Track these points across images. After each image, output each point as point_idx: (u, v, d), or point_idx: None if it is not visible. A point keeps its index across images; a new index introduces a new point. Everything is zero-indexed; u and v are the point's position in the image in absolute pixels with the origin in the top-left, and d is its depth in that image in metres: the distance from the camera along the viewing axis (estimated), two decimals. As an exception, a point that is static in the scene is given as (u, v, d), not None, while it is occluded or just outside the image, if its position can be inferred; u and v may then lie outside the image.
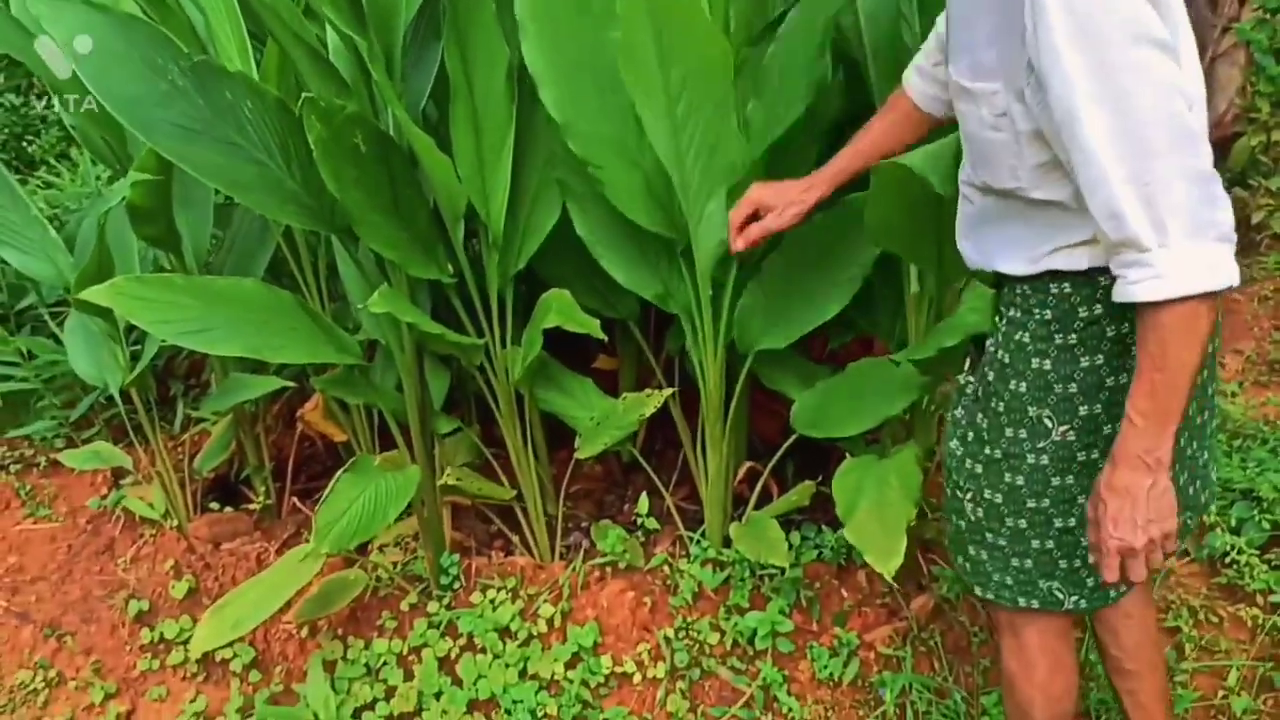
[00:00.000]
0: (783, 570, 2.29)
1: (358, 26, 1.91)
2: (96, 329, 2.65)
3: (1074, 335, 1.41)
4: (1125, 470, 1.30)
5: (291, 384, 2.58)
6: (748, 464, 2.57)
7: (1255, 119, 4.44)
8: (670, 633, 2.32)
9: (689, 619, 2.35)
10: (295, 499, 2.91)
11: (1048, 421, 1.44)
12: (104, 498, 2.91)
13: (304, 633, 2.44)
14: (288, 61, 2.18)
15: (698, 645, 2.31)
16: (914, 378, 2.14)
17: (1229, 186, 3.18)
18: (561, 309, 2.20)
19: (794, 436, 2.38)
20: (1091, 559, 1.39)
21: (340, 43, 2.12)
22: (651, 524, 2.51)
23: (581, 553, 2.53)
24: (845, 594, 2.39)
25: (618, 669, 2.29)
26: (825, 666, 2.25)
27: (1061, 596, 1.54)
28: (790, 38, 2.05)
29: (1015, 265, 1.44)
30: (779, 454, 2.42)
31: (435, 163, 2.02)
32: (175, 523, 2.75)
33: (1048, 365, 1.43)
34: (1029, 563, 1.54)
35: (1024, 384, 1.45)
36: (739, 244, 1.95)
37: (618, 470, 3.06)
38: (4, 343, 2.94)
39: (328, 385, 2.29)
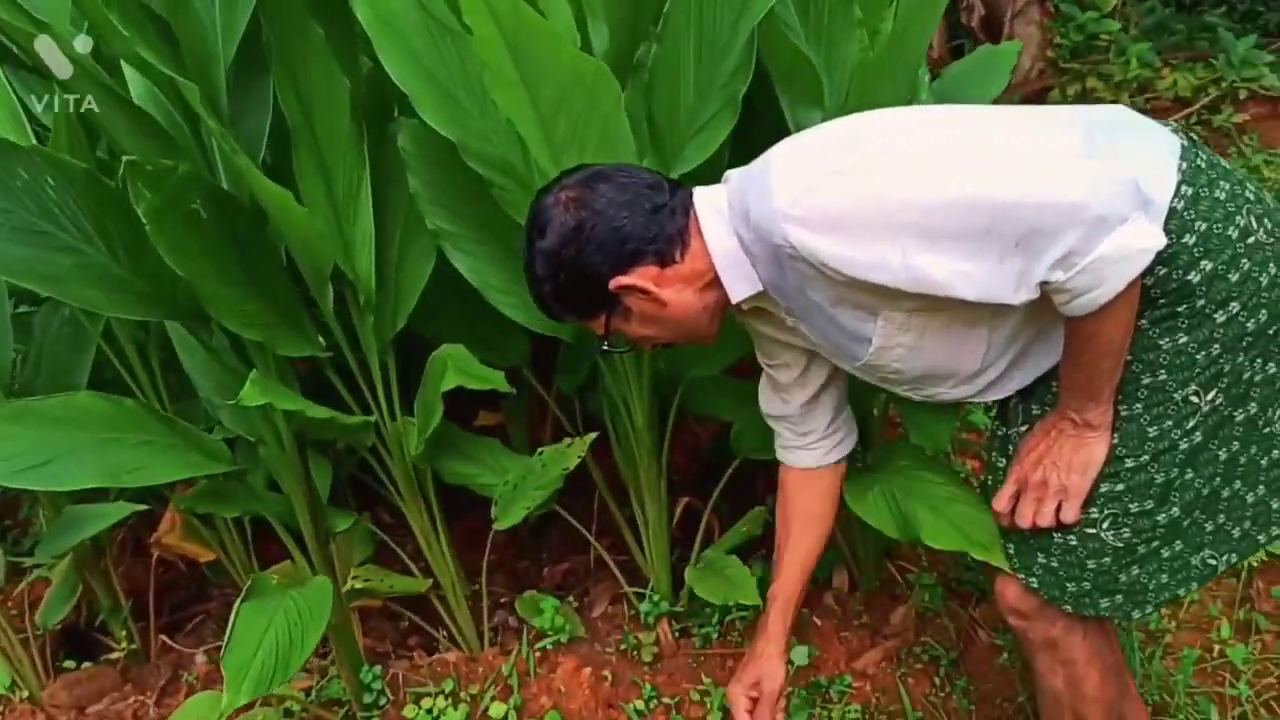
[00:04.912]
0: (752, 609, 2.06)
1: (177, 66, 1.59)
2: (-114, 486, 2.19)
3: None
4: None
5: (143, 506, 2.18)
6: (683, 500, 2.33)
7: (1066, 69, 4.53)
8: (640, 705, 2.05)
9: (655, 684, 2.09)
10: (164, 636, 2.49)
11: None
12: (-68, 683, 2.42)
13: (214, 795, 2.05)
14: (76, 129, 1.81)
15: (674, 708, 2.05)
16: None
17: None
18: (459, 365, 1.90)
19: (731, 463, 2.16)
20: None
21: (150, 92, 1.78)
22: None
23: (514, 633, 2.24)
24: (819, 620, 2.18)
25: (592, 758, 2.01)
26: (823, 710, 2.02)
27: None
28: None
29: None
30: (721, 484, 2.19)
31: (293, 218, 1.70)
32: (26, 693, 2.29)
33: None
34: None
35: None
36: None
37: (524, 532, 2.76)
38: None
39: (196, 502, 1.93)
